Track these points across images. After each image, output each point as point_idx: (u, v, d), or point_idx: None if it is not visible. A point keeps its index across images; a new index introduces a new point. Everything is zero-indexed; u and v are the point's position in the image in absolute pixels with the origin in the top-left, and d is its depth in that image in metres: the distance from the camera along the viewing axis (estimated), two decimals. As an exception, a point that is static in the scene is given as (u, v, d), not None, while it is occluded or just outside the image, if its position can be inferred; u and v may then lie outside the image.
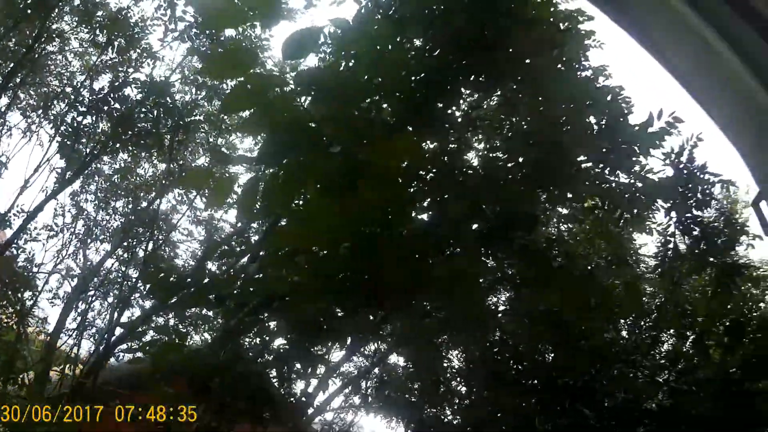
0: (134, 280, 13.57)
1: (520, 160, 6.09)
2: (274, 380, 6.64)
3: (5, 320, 12.81)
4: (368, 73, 5.21)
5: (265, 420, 6.09)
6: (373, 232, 4.16)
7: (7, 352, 11.12)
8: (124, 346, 11.97)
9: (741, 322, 8.90)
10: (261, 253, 5.49)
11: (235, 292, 5.33)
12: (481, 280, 5.98)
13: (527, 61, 6.54)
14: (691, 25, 1.71)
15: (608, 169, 6.95)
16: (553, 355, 9.59)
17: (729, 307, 8.78)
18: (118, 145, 13.56)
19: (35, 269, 14.57)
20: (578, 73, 7.11)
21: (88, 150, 13.91)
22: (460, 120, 6.30)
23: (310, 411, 10.57)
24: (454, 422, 10.96)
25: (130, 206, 15.98)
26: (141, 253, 14.41)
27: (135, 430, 7.91)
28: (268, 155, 3.65)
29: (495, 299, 9.81)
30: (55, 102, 14.70)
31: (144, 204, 15.93)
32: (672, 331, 11.73)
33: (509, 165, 6.08)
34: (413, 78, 5.48)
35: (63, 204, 15.35)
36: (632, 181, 7.16)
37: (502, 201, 4.74)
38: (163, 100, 12.63)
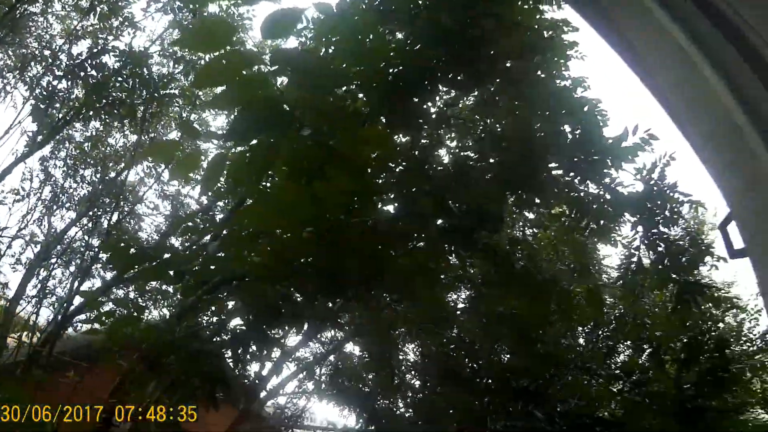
0: (97, 250, 13.37)
1: (491, 161, 6.11)
2: (229, 361, 6.59)
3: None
4: (347, 60, 5.18)
5: (217, 400, 6.04)
6: (337, 219, 4.15)
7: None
8: (83, 317, 11.79)
9: (699, 340, 9.09)
10: (224, 232, 5.43)
11: (194, 269, 5.28)
12: (442, 277, 6.00)
13: (508, 64, 6.56)
14: (675, 42, 1.71)
15: (578, 178, 7.01)
16: (508, 356, 9.67)
17: (688, 324, 8.93)
18: (91, 113, 13.33)
19: (-1, 232, 14.30)
20: (557, 81, 7.14)
21: (60, 115, 13.67)
22: (434, 116, 6.29)
23: (263, 394, 10.53)
24: (407, 415, 11.02)
25: (98, 175, 15.72)
26: (105, 224, 14.20)
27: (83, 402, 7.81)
28: (237, 132, 3.60)
29: (455, 297, 9.87)
30: (33, 64, 14.40)
31: (112, 174, 15.69)
32: (629, 342, 11.94)
33: (479, 165, 6.10)
34: (391, 70, 5.46)
35: (32, 169, 15.08)
36: (601, 192, 7.22)
37: (469, 200, 4.75)
38: (139, 71, 12.43)
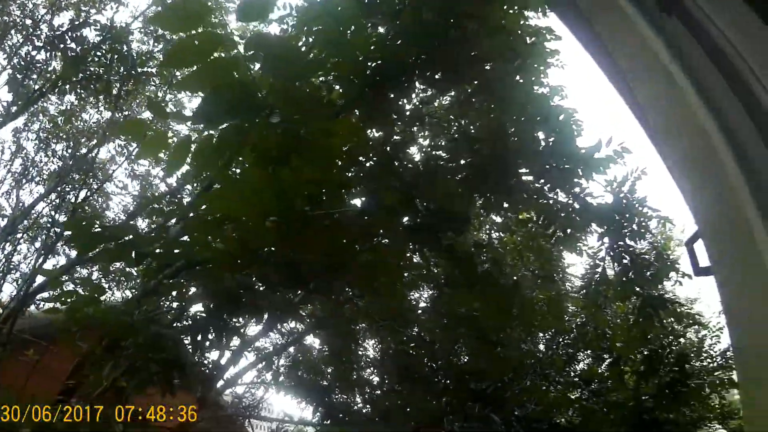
0: (62, 227, 13.16)
1: (462, 162, 6.10)
2: (188, 347, 6.51)
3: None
4: (327, 50, 5.13)
5: (174, 386, 5.95)
6: (302, 210, 4.10)
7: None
8: (45, 295, 11.58)
9: (659, 353, 9.21)
10: (191, 215, 5.35)
11: (156, 251, 5.19)
12: (406, 275, 5.98)
13: (487, 66, 6.56)
14: (656, 57, 1.71)
15: (548, 185, 7.03)
16: (467, 358, 9.70)
17: (649, 337, 9.04)
18: (67, 86, 13.10)
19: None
20: (535, 87, 7.16)
21: (37, 87, 13.43)
22: (409, 113, 6.27)
23: (221, 382, 10.45)
24: (364, 411, 11.02)
25: (69, 151, 15.48)
26: (73, 201, 13.99)
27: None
28: (204, 115, 3.54)
29: (418, 295, 9.89)
30: (13, 32, 14.09)
31: (84, 150, 15.45)
32: (589, 351, 12.07)
33: (450, 165, 6.09)
34: (370, 64, 5.42)
35: (3, 140, 14.80)
36: (570, 201, 7.26)
37: (437, 199, 4.74)
38: (119, 47, 12.25)
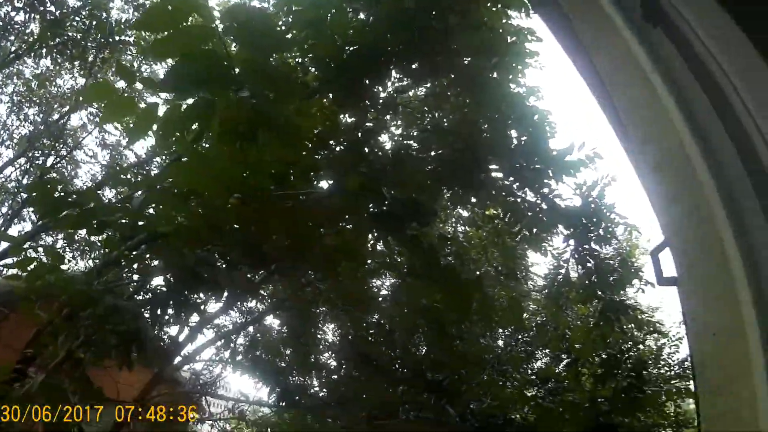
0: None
1: (433, 154, 6.11)
2: (147, 321, 6.44)
3: None
4: (305, 31, 5.09)
5: (132, 360, 5.87)
6: (267, 189, 4.06)
7: None
8: (9, 261, 11.35)
9: (617, 358, 9.31)
10: (157, 187, 5.27)
11: (119, 221, 5.12)
12: (369, 262, 5.97)
13: (465, 61, 6.56)
14: (638, 65, 1.71)
15: (518, 183, 7.07)
16: (426, 349, 9.73)
17: (608, 341, 9.12)
18: (44, 50, 12.83)
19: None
20: (512, 86, 7.18)
21: (13, 49, 13.15)
22: (382, 101, 6.25)
23: (179, 359, 10.37)
24: (320, 394, 11.02)
25: (41, 116, 15.22)
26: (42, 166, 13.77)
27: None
28: (173, 82, 3.47)
29: (380, 283, 9.89)
30: (-9, -7, 13.76)
31: (56, 116, 15.19)
32: (547, 351, 12.19)
33: (420, 156, 6.09)
34: (348, 48, 5.39)
35: (-24, 102, 14.48)
36: (539, 201, 7.30)
37: (404, 188, 4.73)
38: (98, 13, 12.02)
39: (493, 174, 6.89)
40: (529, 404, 9.73)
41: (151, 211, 5.03)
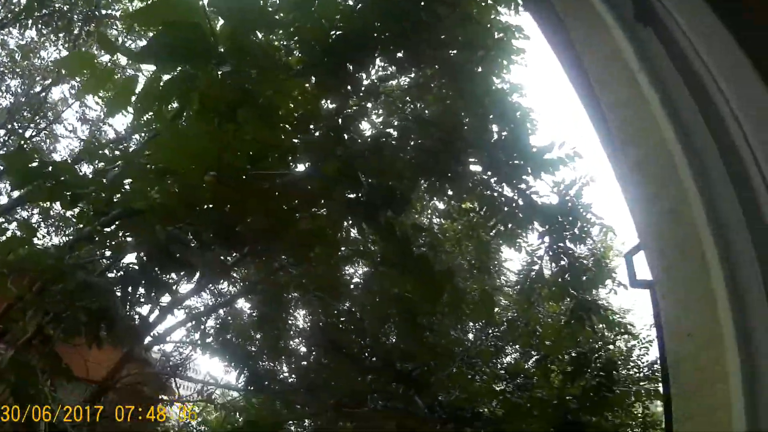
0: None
1: (412, 143, 6.11)
2: (118, 299, 6.38)
3: None
4: (292, 13, 5.06)
5: (101, 338, 5.82)
6: (244, 169, 4.04)
7: None
8: (-17, 233, 11.16)
9: (587, 356, 9.39)
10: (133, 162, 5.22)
11: (93, 195, 5.06)
12: (343, 249, 5.97)
13: (451, 53, 6.56)
14: (627, 64, 1.71)
15: (496, 178, 7.10)
16: (396, 339, 9.75)
17: (579, 340, 9.19)
18: (29, 21, 12.64)
19: None
20: (496, 81, 7.20)
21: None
22: (365, 88, 6.23)
23: (149, 339, 10.32)
24: (289, 380, 11.02)
25: (23, 88, 15.03)
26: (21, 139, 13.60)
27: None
28: (153, 53, 3.43)
29: (353, 271, 9.90)
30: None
31: (38, 89, 15.00)
32: (517, 346, 12.29)
33: (399, 144, 6.08)
34: (333, 33, 5.37)
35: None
36: (515, 196, 7.34)
37: (382, 176, 4.72)
38: (86, -15, 11.89)
39: (472, 167, 6.92)
40: (498, 398, 9.78)
41: (126, 187, 4.99)
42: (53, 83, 14.34)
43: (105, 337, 5.88)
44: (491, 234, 8.28)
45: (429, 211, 9.93)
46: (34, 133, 14.73)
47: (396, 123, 7.06)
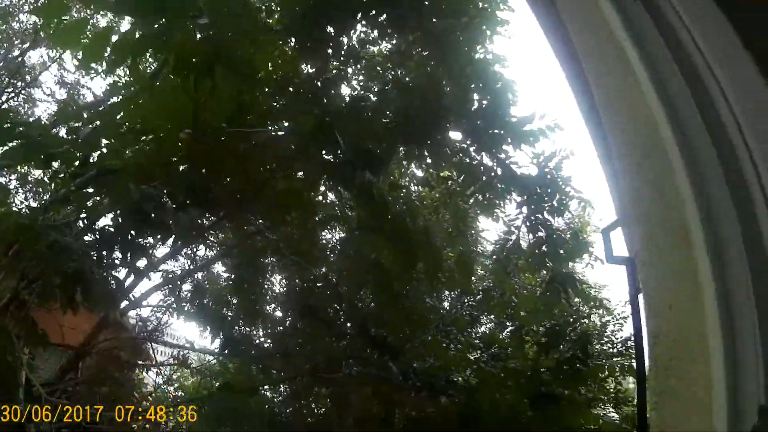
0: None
1: (392, 107, 6.06)
2: (94, 261, 6.32)
3: None
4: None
5: (77, 302, 5.77)
6: (220, 127, 4.01)
7: None
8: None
9: (562, 328, 9.47)
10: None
11: (67, 154, 5.00)
12: (321, 215, 5.97)
13: (434, 20, 6.50)
14: (614, 34, 1.69)
15: (475, 146, 7.08)
16: (372, 305, 9.75)
17: (554, 312, 9.24)
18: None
19: None
20: (479, 50, 7.15)
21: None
22: (345, 52, 6.16)
23: (125, 303, 10.26)
24: (265, 345, 11.03)
25: (2, 51, 14.70)
26: (-1, 102, 13.33)
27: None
28: (130, 2, 3.35)
29: (330, 237, 9.87)
30: None
31: (16, 52, 14.69)
32: (492, 316, 12.38)
33: (378, 108, 6.03)
34: (317, -5, 5.30)
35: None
36: (494, 165, 7.34)
37: (359, 136, 4.70)
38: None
39: (452, 135, 6.90)
40: (472, 367, 9.86)
41: (104, 150, 4.93)
42: (31, 47, 14.02)
43: (80, 300, 5.83)
44: (469, 203, 8.27)
45: (407, 179, 9.88)
46: (10, 96, 14.41)
47: (376, 88, 7.00)
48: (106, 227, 6.08)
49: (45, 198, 12.55)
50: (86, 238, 6.23)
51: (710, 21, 1.42)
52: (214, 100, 3.82)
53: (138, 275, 8.76)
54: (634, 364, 8.90)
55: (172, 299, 10.40)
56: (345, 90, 7.24)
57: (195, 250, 11.06)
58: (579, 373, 9.01)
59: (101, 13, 10.63)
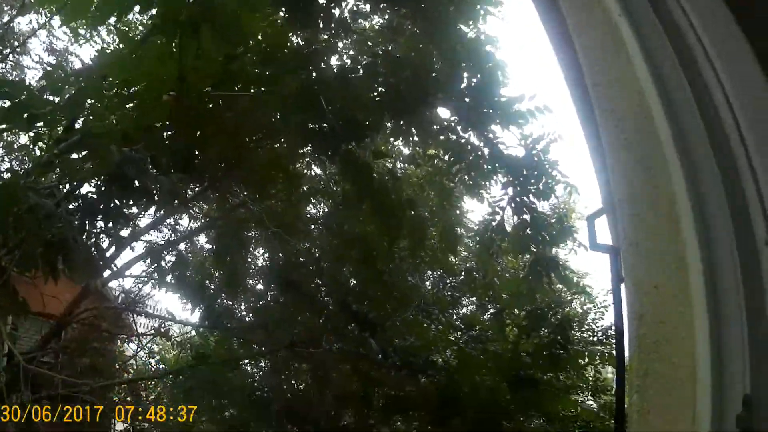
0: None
1: (381, 80, 6.02)
2: (76, 229, 6.26)
3: None
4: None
5: (58, 270, 5.71)
6: (205, 90, 3.97)
7: None
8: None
9: (543, 312, 9.51)
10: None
11: (49, 116, 4.94)
12: (306, 188, 5.93)
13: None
14: (607, 8, 1.66)
15: (463, 124, 7.06)
16: (354, 281, 9.74)
17: (537, 296, 9.25)
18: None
19: None
20: (471, 29, 7.12)
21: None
22: (336, 24, 6.10)
23: (107, 273, 10.19)
24: (246, 319, 11.01)
25: (-10, 18, 14.44)
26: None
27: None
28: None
29: (314, 212, 9.83)
30: None
31: (5, 18, 14.44)
32: (474, 298, 12.41)
33: (367, 80, 5.99)
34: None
35: None
36: (481, 144, 7.32)
37: (346, 110, 4.66)
38: None
39: (440, 112, 6.86)
40: (452, 348, 9.88)
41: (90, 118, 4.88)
42: (20, 13, 13.78)
43: (62, 269, 5.77)
44: (455, 181, 8.25)
45: (393, 156, 9.82)
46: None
47: (364, 61, 6.95)
48: (89, 194, 6.03)
49: (30, 165, 12.45)
50: (69, 206, 6.18)
51: (711, 7, 1.40)
52: (200, 62, 3.78)
53: (121, 245, 8.69)
54: (614, 353, 8.95)
55: (154, 270, 10.30)
56: (334, 63, 7.25)
57: (178, 220, 11.01)
58: (558, 357, 9.03)
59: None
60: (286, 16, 5.36)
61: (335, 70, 5.93)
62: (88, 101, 4.80)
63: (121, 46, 5.22)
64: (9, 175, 9.30)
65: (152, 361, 13.49)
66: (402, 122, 6.44)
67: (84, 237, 6.03)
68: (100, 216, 5.90)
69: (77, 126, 5.03)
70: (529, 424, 9.52)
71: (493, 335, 10.35)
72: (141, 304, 12.05)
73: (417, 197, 8.72)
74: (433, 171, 8.87)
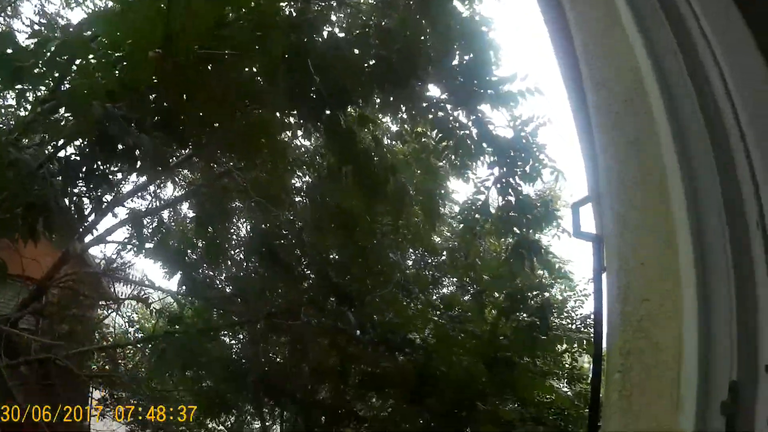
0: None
1: (372, 52, 5.97)
2: (58, 191, 6.19)
3: None
4: None
5: (38, 233, 5.64)
6: (192, 49, 3.92)
7: None
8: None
9: (523, 294, 9.53)
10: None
11: (35, 70, 4.87)
12: (291, 160, 5.89)
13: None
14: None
15: (452, 102, 7.04)
16: (335, 255, 9.74)
17: (518, 280, 9.26)
18: None
19: None
20: (465, 7, 7.08)
21: None
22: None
23: (89, 238, 10.12)
24: (227, 290, 10.99)
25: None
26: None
27: None
28: None
29: (299, 185, 9.79)
30: None
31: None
32: (455, 279, 12.44)
33: (358, 50, 5.94)
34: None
35: None
36: (470, 123, 7.31)
37: (335, 78, 4.62)
38: None
39: (430, 86, 6.82)
40: (431, 326, 9.91)
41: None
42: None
43: (42, 231, 5.70)
44: (442, 161, 8.23)
45: (379, 123, 9.77)
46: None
47: (356, 33, 6.90)
48: (72, 156, 5.95)
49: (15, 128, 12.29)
50: (52, 167, 6.10)
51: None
52: (188, 21, 3.73)
53: (103, 210, 8.62)
54: (592, 341, 8.99)
55: (136, 236, 10.23)
56: (326, 34, 7.17)
57: (162, 186, 10.93)
58: (537, 341, 9.07)
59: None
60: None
61: (326, 36, 5.88)
62: (76, 62, 4.74)
63: (110, 4, 5.13)
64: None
65: (131, 330, 13.43)
66: (391, 96, 6.41)
67: (66, 200, 5.97)
68: (83, 178, 5.85)
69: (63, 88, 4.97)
70: (504, 407, 9.58)
71: (472, 316, 10.37)
72: (121, 270, 11.97)
73: (402, 171, 8.70)
74: (420, 148, 8.86)
